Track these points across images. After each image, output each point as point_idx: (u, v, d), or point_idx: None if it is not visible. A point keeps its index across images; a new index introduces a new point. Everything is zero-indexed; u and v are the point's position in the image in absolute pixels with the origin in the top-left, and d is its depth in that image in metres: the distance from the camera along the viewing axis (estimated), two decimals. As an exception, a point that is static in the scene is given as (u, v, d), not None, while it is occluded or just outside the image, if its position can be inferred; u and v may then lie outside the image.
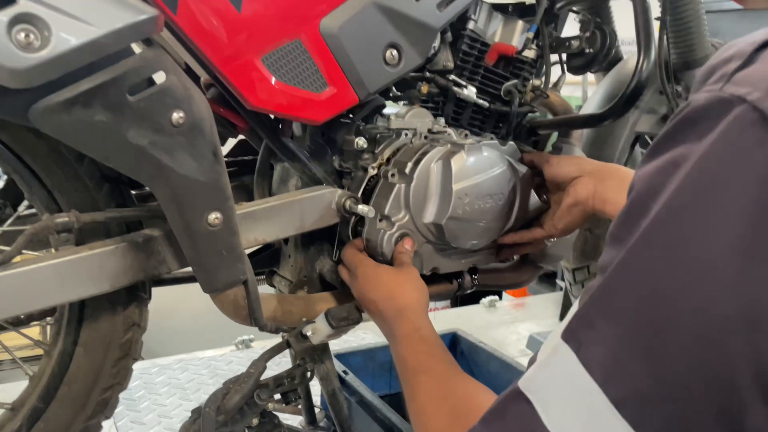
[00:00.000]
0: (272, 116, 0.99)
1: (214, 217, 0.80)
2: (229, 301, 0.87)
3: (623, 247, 0.43)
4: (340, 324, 0.87)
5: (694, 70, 1.37)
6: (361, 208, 0.97)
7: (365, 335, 1.82)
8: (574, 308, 0.48)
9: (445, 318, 2.17)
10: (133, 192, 0.95)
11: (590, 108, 1.41)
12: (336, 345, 1.51)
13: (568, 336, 0.45)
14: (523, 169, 1.05)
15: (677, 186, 0.41)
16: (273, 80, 0.86)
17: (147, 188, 0.95)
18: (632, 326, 0.42)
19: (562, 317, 1.68)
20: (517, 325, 2.05)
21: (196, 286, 1.03)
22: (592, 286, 0.46)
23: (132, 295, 0.92)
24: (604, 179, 1.00)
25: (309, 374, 0.95)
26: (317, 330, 0.88)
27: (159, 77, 0.73)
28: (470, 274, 1.17)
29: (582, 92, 4.20)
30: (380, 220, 0.98)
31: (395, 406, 1.20)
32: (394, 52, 0.95)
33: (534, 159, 1.10)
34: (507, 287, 1.22)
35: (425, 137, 1.06)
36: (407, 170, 0.98)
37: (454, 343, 1.56)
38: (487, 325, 2.04)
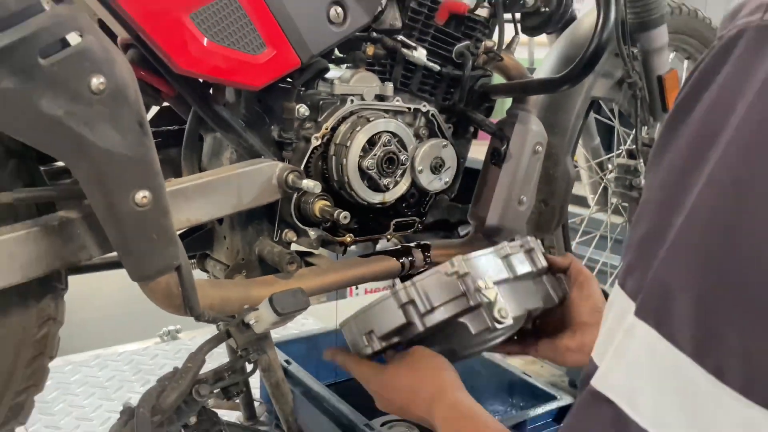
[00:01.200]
0: (202, 81, 0.97)
1: (141, 196, 0.77)
2: (161, 290, 0.85)
3: (683, 206, 0.41)
4: (286, 310, 0.87)
5: (651, 31, 1.42)
6: (306, 183, 0.97)
7: (305, 321, 1.82)
8: (618, 291, 0.47)
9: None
10: (42, 168, 0.91)
11: (544, 72, 1.44)
12: (275, 333, 1.51)
13: (643, 313, 0.43)
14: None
15: (744, 116, 0.40)
16: (204, 40, 0.84)
17: (59, 164, 0.92)
18: (716, 284, 0.40)
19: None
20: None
21: (111, 272, 1.02)
22: (646, 255, 0.44)
23: (46, 286, 0.88)
24: None
25: (252, 366, 0.94)
26: (261, 318, 0.88)
27: (74, 39, 0.70)
28: (423, 251, 1.19)
29: (528, 54, 4.28)
30: None
31: (342, 395, 1.21)
32: (339, 9, 0.95)
33: (571, 271, 1.03)
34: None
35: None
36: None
37: (403, 325, 1.58)
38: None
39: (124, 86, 0.73)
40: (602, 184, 1.68)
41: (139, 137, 0.76)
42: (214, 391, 0.89)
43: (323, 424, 1.18)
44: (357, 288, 3.55)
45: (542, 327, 1.04)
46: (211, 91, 0.97)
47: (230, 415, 1.39)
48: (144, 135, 0.76)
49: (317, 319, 1.84)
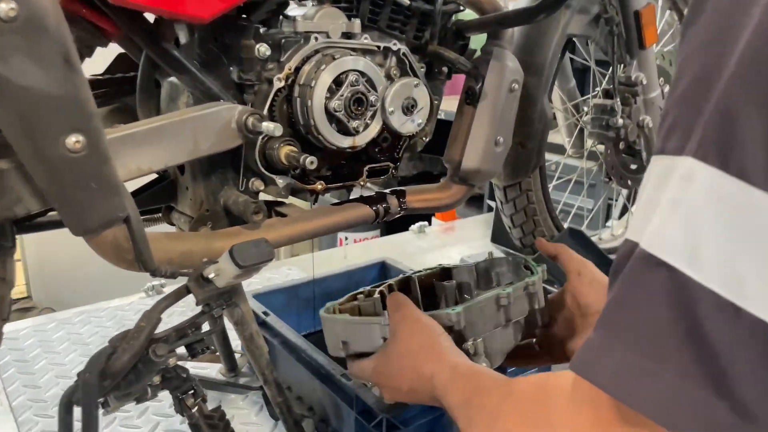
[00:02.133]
0: (149, 18, 0.83)
1: (74, 140, 0.64)
2: (108, 244, 0.72)
3: (738, 37, 0.35)
4: (248, 262, 0.74)
5: (628, -36, 1.28)
6: (266, 126, 0.84)
7: (290, 271, 1.70)
8: (656, 160, 0.39)
9: (375, 246, 2.09)
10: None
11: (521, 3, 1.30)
12: (258, 285, 1.40)
13: (703, 151, 0.35)
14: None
15: None
16: (139, -36, 0.69)
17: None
18: None
19: (493, 237, 1.62)
20: (448, 248, 1.99)
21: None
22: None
23: (-11, 245, 0.75)
24: None
25: (217, 321, 0.83)
26: (222, 271, 0.76)
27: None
28: (397, 197, 1.07)
29: None
30: None
31: (321, 345, 1.10)
32: (294, -68, 0.79)
33: (563, 262, 0.96)
34: (437, 209, 1.13)
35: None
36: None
37: (383, 272, 1.47)
38: (418, 251, 1.97)
39: (41, 13, 0.59)
40: (578, 127, 1.56)
41: (65, 73, 0.62)
42: (176, 350, 0.77)
43: (301, 374, 1.08)
44: (346, 239, 3.45)
45: (555, 331, 0.95)
46: (159, 29, 0.83)
47: (213, 367, 1.28)
48: (71, 71, 0.63)
49: (300, 269, 1.72)
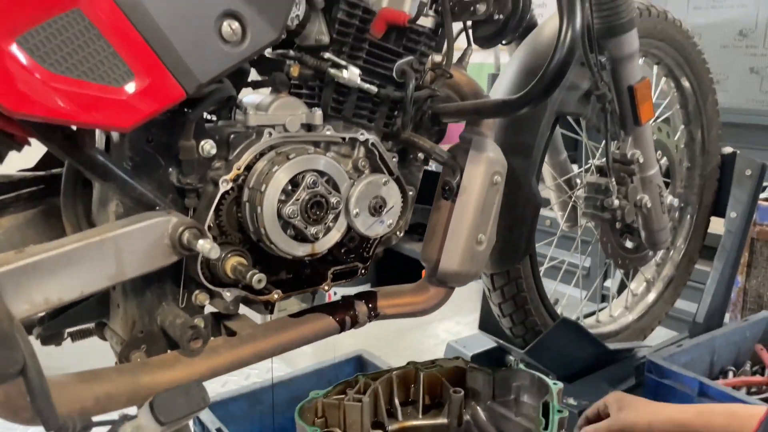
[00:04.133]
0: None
1: (-57, 292, 0.52)
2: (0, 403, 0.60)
3: None
4: (173, 416, 0.62)
5: (620, 36, 1.19)
6: (202, 245, 0.72)
7: (251, 371, 1.57)
8: None
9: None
10: None
11: (504, 85, 1.21)
12: (215, 385, 1.26)
13: None
14: None
15: None
16: (39, 72, 0.58)
17: None
18: None
19: (482, 324, 1.49)
20: (435, 325, 1.86)
21: None
22: None
23: None
24: None
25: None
26: (141, 429, 0.63)
27: None
28: (367, 303, 0.96)
29: (494, 59, 4.02)
30: None
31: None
32: (234, 24, 0.70)
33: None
34: (413, 315, 1.01)
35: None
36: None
37: (360, 366, 1.34)
38: (401, 329, 1.83)
39: None
40: (570, 204, 1.45)
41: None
42: None
43: None
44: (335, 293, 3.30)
45: None
46: (79, 133, 0.71)
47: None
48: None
49: (260, 371, 1.59)
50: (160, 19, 0.63)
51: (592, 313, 1.66)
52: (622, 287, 1.82)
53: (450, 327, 1.78)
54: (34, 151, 0.82)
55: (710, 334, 1.55)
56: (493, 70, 3.89)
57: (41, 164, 0.90)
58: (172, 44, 0.65)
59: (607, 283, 2.18)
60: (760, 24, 3.08)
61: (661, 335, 1.80)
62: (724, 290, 1.67)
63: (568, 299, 1.55)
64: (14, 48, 0.57)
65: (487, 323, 1.44)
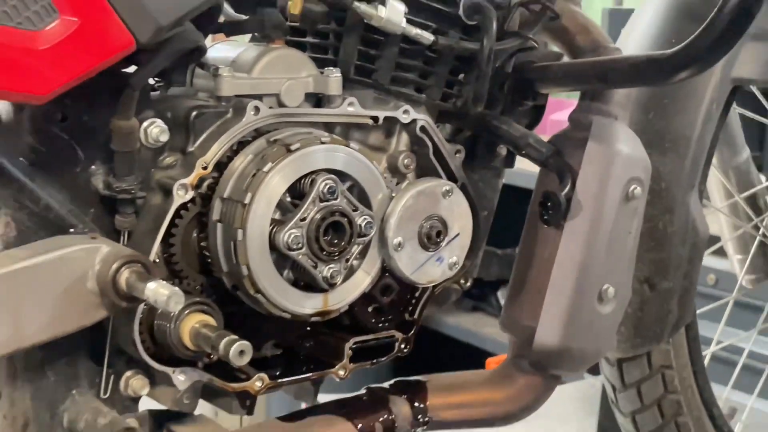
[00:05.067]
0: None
1: None
2: None
3: None
4: None
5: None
6: (156, 292, 0.81)
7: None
8: None
9: None
10: None
11: (642, 31, 1.35)
12: None
13: None
14: None
15: None
16: None
17: None
18: None
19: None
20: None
21: None
22: None
23: None
24: None
25: None
26: None
27: None
28: (410, 400, 1.06)
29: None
30: None
31: None
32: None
33: None
34: (485, 423, 1.14)
35: None
36: None
37: None
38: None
39: None
40: (757, 239, 1.55)
41: None
42: None
43: None
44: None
45: None
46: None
47: None
48: None
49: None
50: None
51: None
52: None
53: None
54: None
55: None
56: (610, 2, 4.10)
57: None
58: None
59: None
60: None
61: None
62: None
63: (751, 412, 1.63)
64: None
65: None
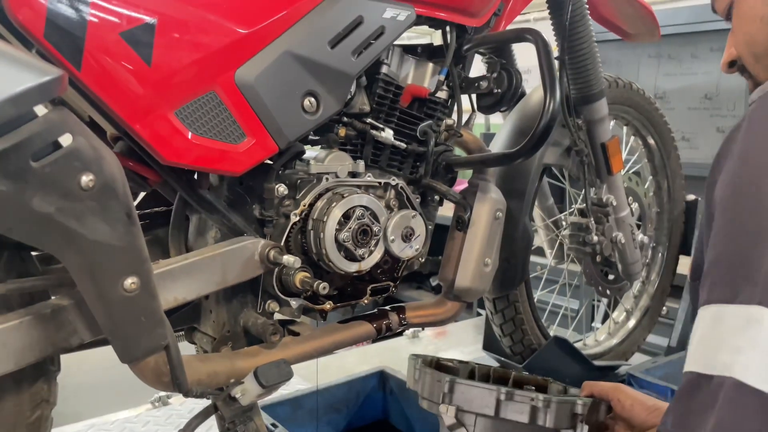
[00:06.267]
0: (186, 169, 0.96)
1: (130, 282, 0.75)
2: (150, 369, 0.82)
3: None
4: (271, 382, 0.84)
5: (593, 104, 1.46)
6: (287, 259, 0.96)
7: (294, 381, 1.77)
8: (704, 310, 0.59)
9: (371, 352, 2.16)
10: (34, 254, 0.88)
11: (499, 142, 1.46)
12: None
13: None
14: None
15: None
16: (189, 134, 0.83)
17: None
18: None
19: (486, 345, 1.71)
20: (442, 354, 2.06)
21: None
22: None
23: (39, 369, 0.84)
24: None
25: (239, 436, 0.91)
26: (247, 391, 0.85)
27: (65, 139, 0.69)
28: (398, 314, 1.18)
29: (485, 120, 4.42)
30: None
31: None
32: (312, 99, 0.95)
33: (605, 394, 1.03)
34: (434, 324, 1.24)
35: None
36: None
37: (383, 380, 1.55)
38: (412, 357, 2.04)
39: (112, 181, 0.72)
40: (558, 241, 1.69)
41: (127, 227, 0.74)
42: (204, 465, 0.85)
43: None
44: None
45: None
46: (195, 176, 0.96)
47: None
48: (132, 224, 0.75)
49: (301, 378, 1.79)
50: (266, 97, 0.89)
51: (579, 341, 1.87)
52: (605, 319, 2.04)
53: (455, 354, 1.99)
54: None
55: (683, 353, 1.77)
56: (483, 129, 4.31)
57: (139, 206, 1.15)
58: (272, 115, 0.90)
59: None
60: (722, 89, 3.41)
61: (641, 359, 2.02)
62: (693, 317, 1.90)
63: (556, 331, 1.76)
64: (173, 117, 0.82)
65: (490, 344, 1.64)
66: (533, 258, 1.53)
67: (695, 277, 0.71)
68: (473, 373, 1.07)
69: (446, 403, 0.93)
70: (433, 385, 0.96)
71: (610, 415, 1.01)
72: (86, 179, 0.69)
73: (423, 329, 2.32)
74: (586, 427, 0.94)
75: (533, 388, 1.05)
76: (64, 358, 0.90)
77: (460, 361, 1.09)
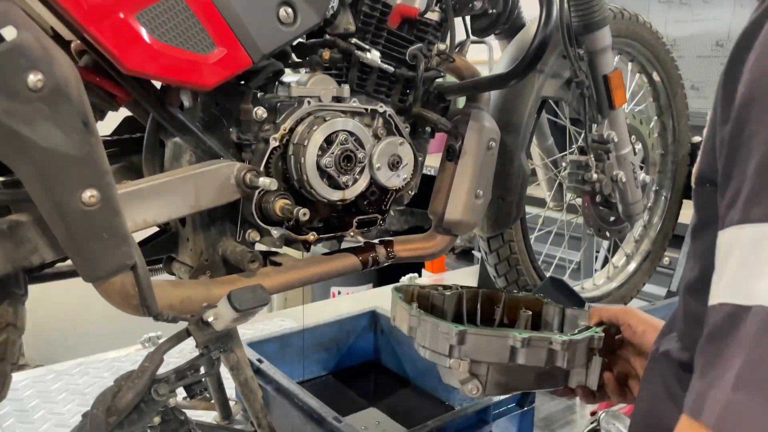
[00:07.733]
0: (156, 85, 0.91)
1: (89, 195, 0.71)
2: (116, 290, 0.78)
3: None
4: (245, 306, 0.80)
5: (595, 32, 1.38)
6: (263, 181, 0.91)
7: (282, 322, 1.75)
8: (738, 229, 0.48)
9: (367, 298, 2.14)
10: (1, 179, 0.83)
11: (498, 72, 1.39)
12: (250, 332, 1.44)
13: None
14: None
15: None
16: (150, 40, 0.77)
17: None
18: None
19: (480, 285, 1.67)
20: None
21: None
22: None
23: (3, 292, 0.80)
24: None
25: (215, 363, 0.87)
26: (220, 315, 0.81)
27: (8, 32, 0.63)
28: (385, 247, 1.13)
29: (488, 55, 4.28)
30: None
31: (311, 392, 1.14)
32: (288, 9, 0.89)
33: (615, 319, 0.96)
34: (423, 258, 1.19)
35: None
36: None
37: (374, 321, 1.52)
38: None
39: (65, 83, 0.67)
40: (557, 181, 1.63)
41: (84, 136, 0.69)
42: (176, 390, 0.82)
43: (294, 418, 1.12)
44: (339, 292, 3.48)
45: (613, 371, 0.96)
46: (165, 95, 0.91)
47: (207, 415, 1.31)
48: (89, 133, 0.70)
49: (293, 320, 1.77)
50: (237, 4, 0.83)
51: (577, 285, 1.83)
52: (605, 265, 2.00)
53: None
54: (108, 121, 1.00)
55: (681, 298, 1.73)
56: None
57: (116, 132, 1.10)
58: (244, 24, 0.84)
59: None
60: (732, 35, 3.29)
61: (640, 305, 1.98)
62: (698, 228, 1.84)
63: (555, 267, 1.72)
64: (134, 21, 0.76)
65: (484, 284, 1.61)
66: (529, 208, 1.47)
67: (702, 182, 0.61)
68: (460, 298, 1.03)
69: (456, 356, 0.85)
70: (437, 335, 0.87)
71: (618, 336, 0.95)
72: (34, 78, 0.64)
73: (420, 276, 2.29)
74: (600, 360, 0.88)
75: (529, 312, 1.02)
76: (67, 307, 0.87)
77: (445, 286, 1.04)
